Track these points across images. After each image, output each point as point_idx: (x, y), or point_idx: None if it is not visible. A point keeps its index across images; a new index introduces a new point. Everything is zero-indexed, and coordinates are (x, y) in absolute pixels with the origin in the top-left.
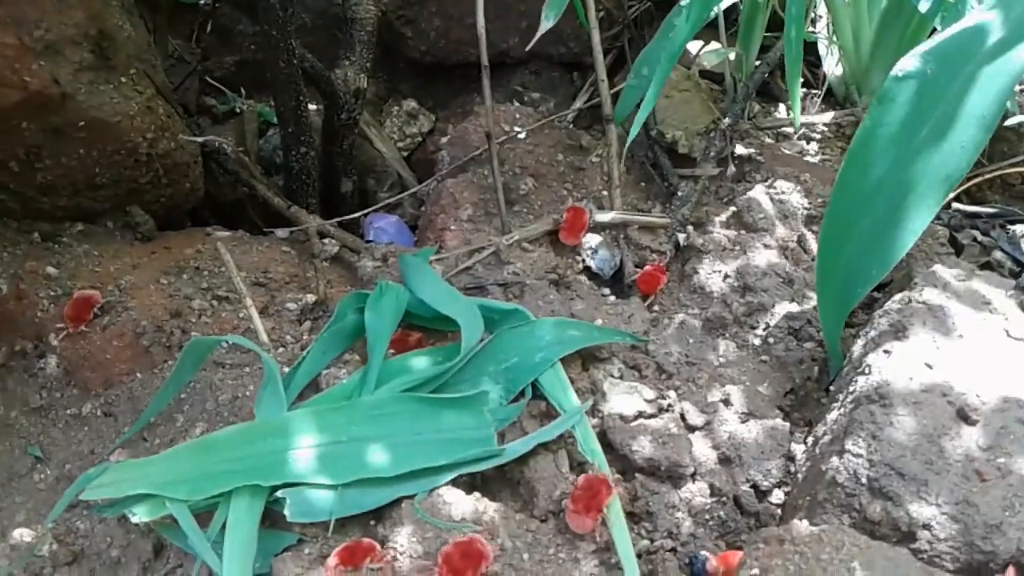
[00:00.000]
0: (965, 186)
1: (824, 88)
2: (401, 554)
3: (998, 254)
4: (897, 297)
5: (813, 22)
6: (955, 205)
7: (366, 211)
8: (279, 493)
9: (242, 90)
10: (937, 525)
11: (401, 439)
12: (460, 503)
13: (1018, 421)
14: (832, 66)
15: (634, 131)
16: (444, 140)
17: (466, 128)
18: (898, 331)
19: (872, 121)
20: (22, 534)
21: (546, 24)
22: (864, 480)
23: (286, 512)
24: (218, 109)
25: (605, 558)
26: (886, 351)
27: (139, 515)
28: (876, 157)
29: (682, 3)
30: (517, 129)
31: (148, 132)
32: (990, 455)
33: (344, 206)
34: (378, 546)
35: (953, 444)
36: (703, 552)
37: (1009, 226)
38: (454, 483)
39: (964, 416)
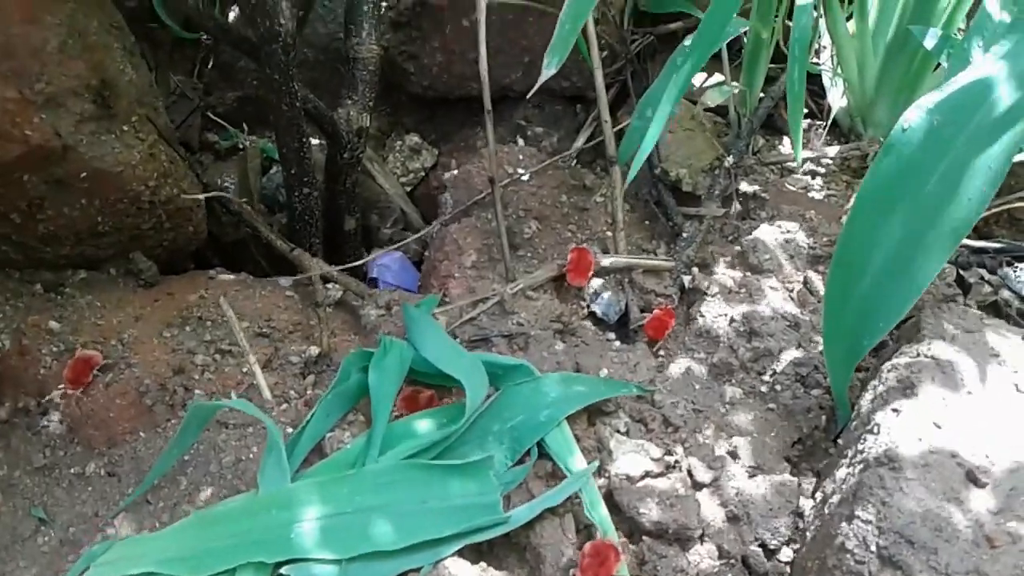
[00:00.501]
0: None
1: (829, 120)
2: None
3: (1006, 293)
4: (905, 350)
5: (817, 53)
6: (963, 240)
7: (371, 257)
8: (283, 569)
9: (244, 126)
10: None
11: (407, 508)
12: (466, 575)
13: None
14: (836, 98)
15: (633, 172)
16: (448, 176)
17: (469, 171)
18: (906, 387)
19: (878, 172)
20: None
21: (548, 72)
22: (873, 548)
23: None
24: (220, 145)
25: None
26: (895, 410)
27: None
28: (883, 208)
29: (685, 43)
30: (520, 171)
31: (151, 180)
32: (1000, 519)
33: (347, 244)
34: None
35: (963, 509)
36: None
37: (1016, 263)
38: (458, 553)
39: (974, 479)
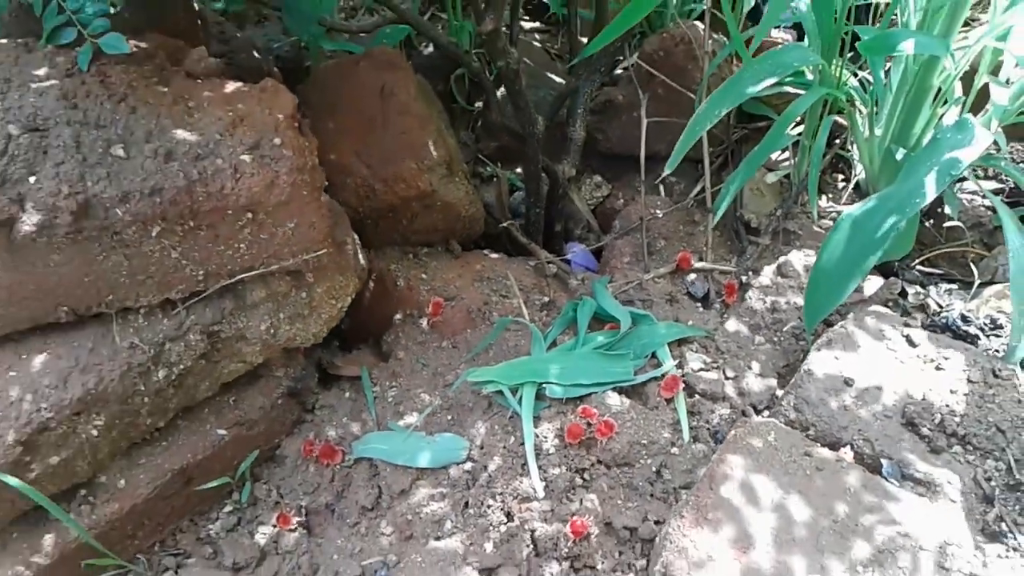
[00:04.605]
0: (927, 255)
1: (853, 184)
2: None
3: (930, 300)
4: (835, 325)
5: (852, 143)
6: (918, 267)
7: (573, 250)
8: (543, 385)
9: (499, 164)
10: (818, 422)
11: (592, 370)
12: (615, 398)
13: (876, 387)
14: (858, 172)
15: (717, 217)
16: (618, 209)
17: (630, 210)
18: (828, 341)
19: (833, 235)
20: (423, 396)
21: (667, 172)
22: (792, 404)
23: (547, 393)
24: (483, 175)
25: (675, 427)
26: (817, 350)
27: (488, 389)
28: (833, 252)
29: (755, 149)
30: (658, 212)
31: (467, 204)
32: (856, 400)
33: (555, 240)
34: (596, 412)
35: (838, 393)
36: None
37: (941, 283)
38: (612, 390)
39: (847, 382)
